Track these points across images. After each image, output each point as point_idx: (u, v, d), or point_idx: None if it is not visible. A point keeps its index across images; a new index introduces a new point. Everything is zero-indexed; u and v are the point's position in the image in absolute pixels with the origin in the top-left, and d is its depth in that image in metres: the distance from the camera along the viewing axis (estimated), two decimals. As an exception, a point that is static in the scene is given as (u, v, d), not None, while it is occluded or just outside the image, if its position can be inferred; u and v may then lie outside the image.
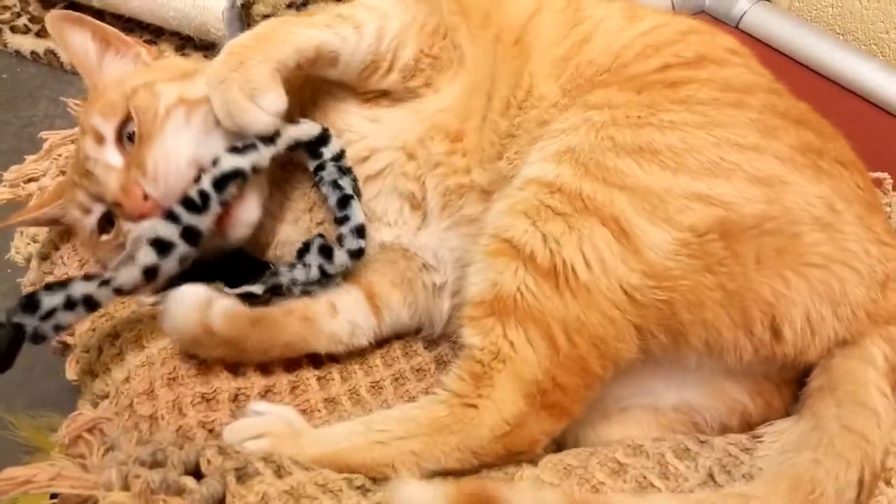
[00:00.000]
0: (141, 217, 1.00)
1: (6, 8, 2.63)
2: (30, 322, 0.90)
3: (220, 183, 0.99)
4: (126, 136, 1.04)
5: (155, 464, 0.78)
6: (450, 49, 1.14)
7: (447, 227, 1.12)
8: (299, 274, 1.06)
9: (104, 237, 1.08)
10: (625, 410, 0.99)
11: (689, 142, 0.92)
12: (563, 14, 1.16)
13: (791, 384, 0.97)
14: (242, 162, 1.00)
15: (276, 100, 0.99)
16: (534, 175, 0.96)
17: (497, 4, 1.19)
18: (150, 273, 0.95)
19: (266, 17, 2.13)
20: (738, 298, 0.88)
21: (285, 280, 1.06)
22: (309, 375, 1.07)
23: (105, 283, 0.93)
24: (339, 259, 1.06)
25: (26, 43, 2.49)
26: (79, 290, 0.92)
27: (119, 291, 0.94)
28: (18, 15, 2.60)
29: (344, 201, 1.07)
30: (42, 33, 2.52)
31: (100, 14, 2.56)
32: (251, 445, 0.88)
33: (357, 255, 1.07)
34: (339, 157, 1.09)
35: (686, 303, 0.88)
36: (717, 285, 0.88)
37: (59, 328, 0.92)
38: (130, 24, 2.52)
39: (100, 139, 1.04)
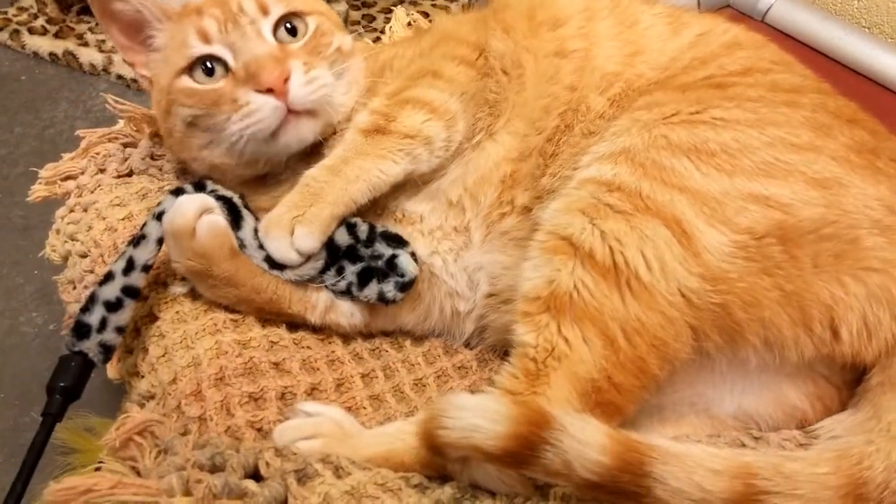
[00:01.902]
0: (267, 88, 1.01)
1: (23, 9, 2.64)
2: (89, 345, 0.97)
3: (228, 205, 1.05)
4: (287, 28, 1.07)
5: (214, 468, 0.78)
6: (503, 83, 1.12)
7: (487, 249, 1.11)
8: (329, 277, 1.05)
9: (187, 80, 1.06)
10: (681, 417, 0.98)
11: (742, 141, 0.92)
12: (614, 16, 1.15)
13: (851, 386, 0.95)
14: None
15: (311, 241, 1.01)
16: (590, 175, 0.95)
17: (545, 10, 1.17)
18: (161, 241, 1.02)
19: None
20: (796, 298, 0.87)
21: (314, 273, 1.05)
22: (353, 373, 1.07)
23: (129, 269, 1.00)
24: (369, 291, 1.05)
25: (45, 44, 2.49)
26: (111, 290, 0.99)
27: (146, 268, 1.01)
28: (36, 16, 2.60)
29: (392, 262, 1.05)
30: (60, 34, 2.52)
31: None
32: (303, 446, 0.88)
33: (388, 301, 1.06)
34: (368, 240, 1.06)
35: (742, 303, 0.87)
36: (775, 286, 0.87)
37: (120, 330, 0.99)
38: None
39: (265, 10, 1.07)
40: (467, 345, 1.17)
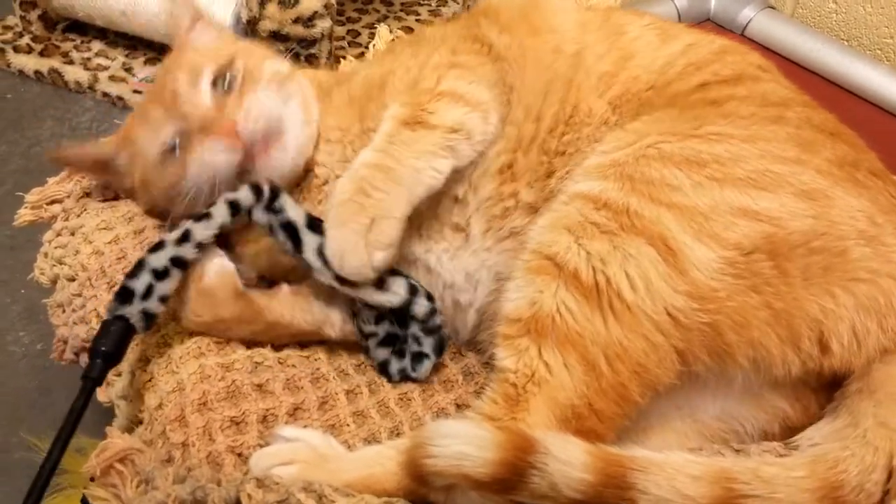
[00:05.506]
0: (227, 135, 1.00)
1: (8, 28, 2.63)
2: (132, 310, 0.96)
3: (275, 210, 1.02)
4: (223, 84, 1.06)
5: (195, 502, 0.78)
6: (511, 70, 1.10)
7: (489, 246, 1.08)
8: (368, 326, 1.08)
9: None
10: (666, 422, 0.98)
11: (734, 152, 0.92)
12: (604, 29, 1.15)
13: (827, 387, 0.96)
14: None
15: (387, 259, 0.97)
16: (579, 190, 0.95)
17: (540, 14, 1.17)
18: (223, 228, 1.01)
19: (273, 33, 2.12)
20: (785, 316, 0.87)
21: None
22: (337, 390, 1.06)
23: (183, 239, 0.99)
24: (377, 353, 1.10)
25: (30, 63, 2.49)
26: (160, 258, 0.98)
27: (200, 245, 1.00)
28: (21, 35, 2.60)
29: (418, 356, 1.09)
30: (45, 52, 2.52)
31: (103, 32, 2.56)
32: (280, 472, 0.86)
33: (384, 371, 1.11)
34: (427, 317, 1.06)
35: (732, 324, 0.87)
36: (764, 304, 0.87)
37: (163, 299, 0.98)
38: (134, 42, 2.53)
39: (195, 78, 1.06)
40: (470, 343, 1.16)
